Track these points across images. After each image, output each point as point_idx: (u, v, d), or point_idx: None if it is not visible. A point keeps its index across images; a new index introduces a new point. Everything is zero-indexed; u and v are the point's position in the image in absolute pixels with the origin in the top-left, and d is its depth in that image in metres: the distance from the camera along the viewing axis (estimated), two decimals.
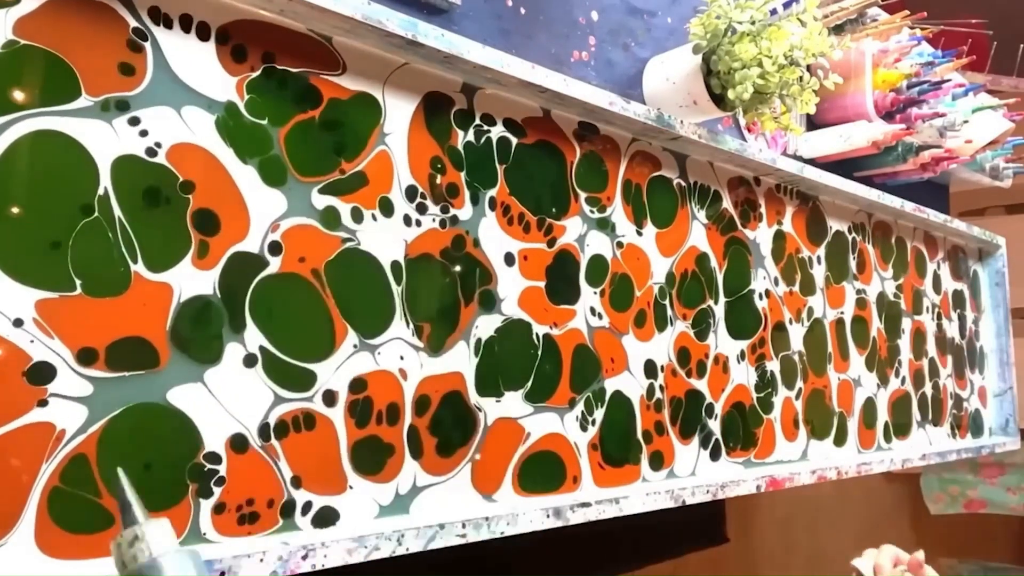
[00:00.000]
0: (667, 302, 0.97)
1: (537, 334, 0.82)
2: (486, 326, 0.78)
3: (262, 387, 0.62)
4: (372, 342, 0.69)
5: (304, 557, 0.59)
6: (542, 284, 0.83)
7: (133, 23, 0.58)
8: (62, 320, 0.53)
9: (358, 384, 0.68)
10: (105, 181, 0.56)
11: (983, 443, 1.59)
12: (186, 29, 0.60)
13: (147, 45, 0.58)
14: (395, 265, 0.71)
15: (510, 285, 0.80)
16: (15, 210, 0.52)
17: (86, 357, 0.54)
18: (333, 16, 0.65)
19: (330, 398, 0.66)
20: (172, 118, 0.59)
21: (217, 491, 0.59)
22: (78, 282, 0.54)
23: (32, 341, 0.52)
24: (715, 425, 1.02)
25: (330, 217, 0.67)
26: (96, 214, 0.55)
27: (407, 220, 0.73)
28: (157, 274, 0.58)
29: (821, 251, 1.24)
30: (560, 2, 0.92)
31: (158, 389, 0.57)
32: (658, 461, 0.94)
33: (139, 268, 0.57)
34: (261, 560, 0.57)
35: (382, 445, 0.69)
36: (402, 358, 0.71)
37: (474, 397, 0.76)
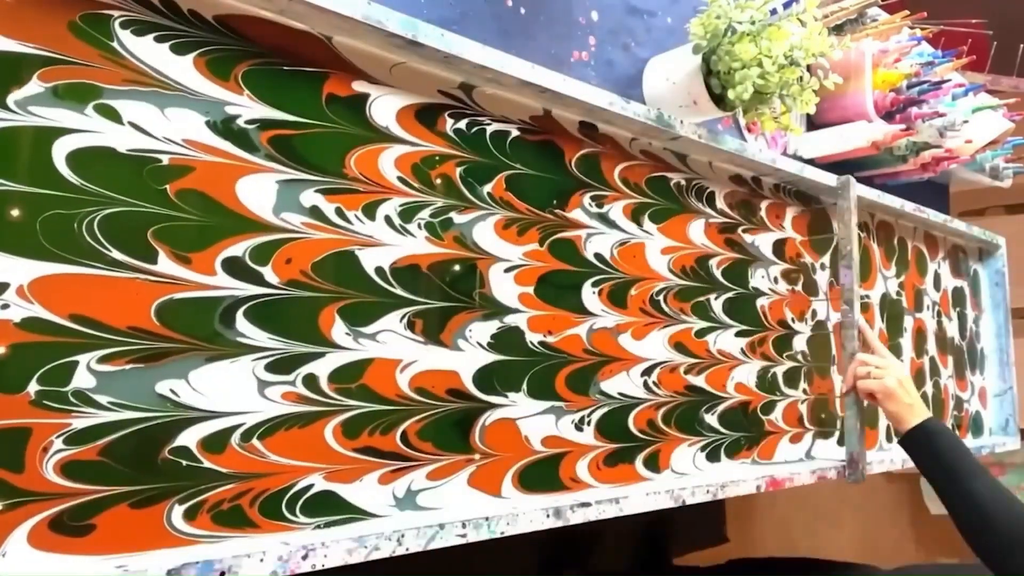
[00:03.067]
0: (666, 300, 0.97)
1: (532, 340, 0.82)
2: (482, 330, 0.78)
3: (251, 378, 0.62)
4: (362, 328, 0.69)
5: (304, 557, 0.59)
6: (540, 286, 0.83)
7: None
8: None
9: (354, 372, 0.68)
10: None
11: (983, 443, 1.59)
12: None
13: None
14: (390, 269, 0.71)
15: (507, 289, 0.80)
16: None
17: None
18: (333, 16, 0.65)
19: (314, 383, 0.66)
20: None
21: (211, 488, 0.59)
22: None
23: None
24: (716, 424, 1.02)
25: (322, 216, 0.67)
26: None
27: (402, 220, 0.73)
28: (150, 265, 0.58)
29: (821, 251, 1.24)
30: (560, 2, 0.92)
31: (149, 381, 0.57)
32: (658, 461, 0.94)
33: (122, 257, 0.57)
34: (261, 560, 0.57)
35: (379, 448, 0.69)
36: (399, 349, 0.71)
37: (473, 396, 0.76)
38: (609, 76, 0.97)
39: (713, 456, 1.01)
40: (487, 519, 0.71)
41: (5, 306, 0.51)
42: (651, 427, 0.93)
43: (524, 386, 0.80)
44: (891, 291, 1.41)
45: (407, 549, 0.65)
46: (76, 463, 0.53)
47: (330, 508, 0.65)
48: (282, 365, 0.63)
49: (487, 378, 0.77)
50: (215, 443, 0.59)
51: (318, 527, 0.64)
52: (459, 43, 0.73)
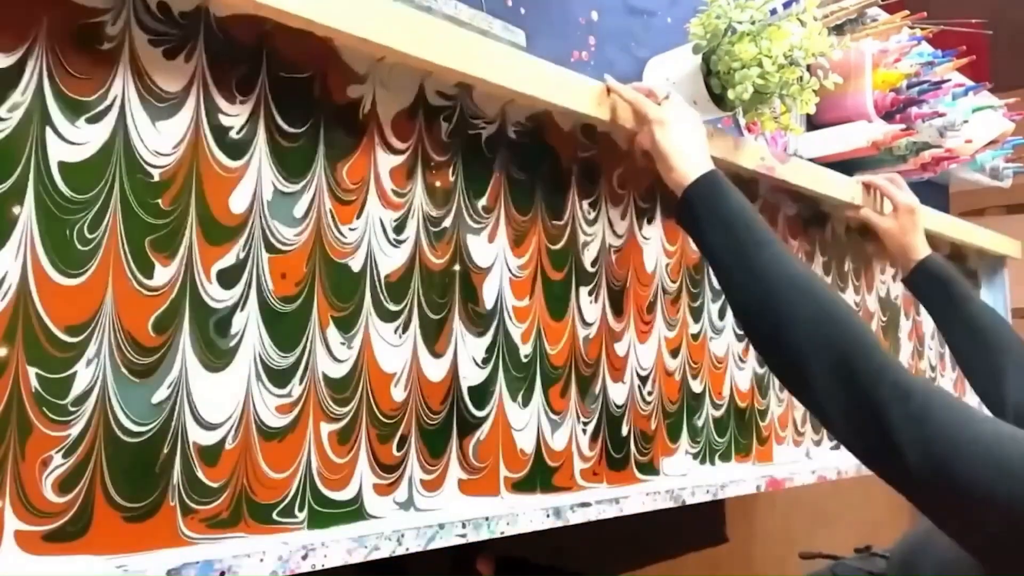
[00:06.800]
0: (664, 304, 0.97)
1: (527, 351, 0.82)
2: (476, 339, 0.78)
3: (245, 387, 0.62)
4: (357, 339, 0.69)
5: (304, 557, 0.59)
6: (535, 295, 0.83)
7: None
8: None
9: (349, 379, 0.68)
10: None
11: None
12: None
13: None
14: (384, 279, 0.71)
15: (502, 298, 0.80)
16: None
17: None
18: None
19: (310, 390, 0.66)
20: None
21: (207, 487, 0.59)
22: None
23: None
24: (711, 429, 1.02)
25: (316, 226, 0.67)
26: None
27: (395, 230, 0.72)
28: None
29: (819, 252, 1.24)
30: (560, 2, 0.92)
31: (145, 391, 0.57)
32: (658, 461, 0.94)
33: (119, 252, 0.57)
34: (261, 560, 0.57)
35: (376, 445, 0.69)
36: (394, 355, 0.71)
37: (467, 406, 0.76)
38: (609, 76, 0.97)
39: (709, 462, 1.01)
40: (487, 519, 0.71)
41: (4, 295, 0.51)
42: (647, 433, 0.93)
43: (519, 396, 0.80)
44: (889, 294, 1.41)
45: (407, 549, 0.65)
46: (74, 474, 0.53)
47: (326, 515, 0.65)
48: (276, 375, 0.63)
49: (482, 388, 0.77)
50: (210, 454, 0.59)
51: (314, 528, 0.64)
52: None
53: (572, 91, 0.80)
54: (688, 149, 0.74)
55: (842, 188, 1.18)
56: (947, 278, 1.02)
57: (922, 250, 1.06)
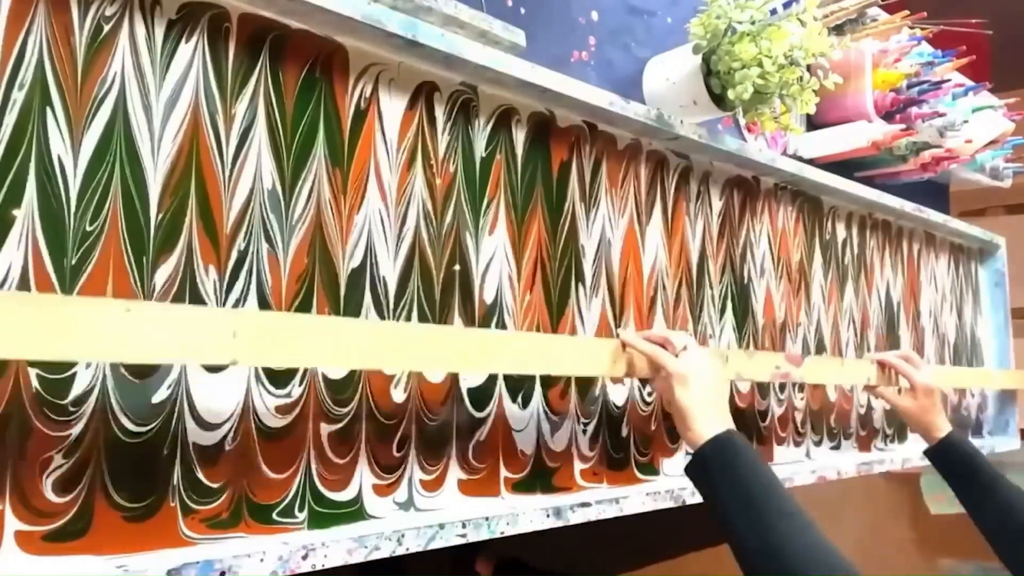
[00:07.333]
0: (664, 303, 0.97)
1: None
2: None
3: (245, 388, 0.62)
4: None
5: (304, 557, 0.59)
6: (535, 292, 0.83)
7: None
8: None
9: (349, 380, 0.68)
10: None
11: (983, 443, 1.59)
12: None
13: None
14: (383, 278, 0.71)
15: (501, 296, 0.80)
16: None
17: None
18: (333, 16, 0.65)
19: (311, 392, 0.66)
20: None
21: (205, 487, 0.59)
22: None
23: None
24: None
25: (316, 224, 0.67)
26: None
27: (397, 228, 0.72)
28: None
29: (820, 252, 1.24)
30: (560, 2, 0.92)
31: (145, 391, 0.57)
32: (658, 462, 0.94)
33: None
34: (261, 560, 0.57)
35: (376, 445, 0.69)
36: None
37: (467, 406, 0.76)
38: (609, 76, 0.97)
39: None
40: (487, 519, 0.71)
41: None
42: (647, 434, 0.93)
43: (519, 397, 0.80)
44: (888, 293, 1.41)
45: (407, 549, 0.65)
46: (74, 475, 0.53)
47: (326, 515, 0.65)
48: (276, 375, 0.63)
49: (482, 389, 0.77)
50: (210, 454, 0.59)
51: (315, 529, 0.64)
52: (459, 43, 0.72)
53: (587, 355, 0.78)
54: (707, 407, 0.72)
55: (856, 371, 1.12)
56: (971, 457, 1.02)
57: (944, 428, 1.06)
